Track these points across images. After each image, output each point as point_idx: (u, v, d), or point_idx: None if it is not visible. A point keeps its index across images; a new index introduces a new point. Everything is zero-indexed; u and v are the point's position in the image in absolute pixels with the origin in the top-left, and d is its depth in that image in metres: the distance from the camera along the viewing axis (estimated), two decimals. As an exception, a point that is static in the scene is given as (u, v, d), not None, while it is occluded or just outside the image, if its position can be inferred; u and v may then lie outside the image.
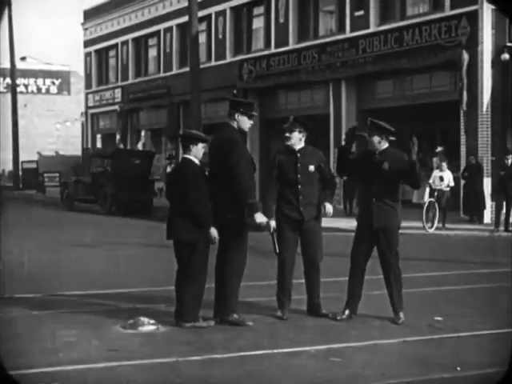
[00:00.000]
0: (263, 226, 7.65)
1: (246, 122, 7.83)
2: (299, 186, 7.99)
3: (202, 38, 30.59)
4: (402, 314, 7.89)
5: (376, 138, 7.95)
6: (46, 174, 37.36)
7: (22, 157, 40.98)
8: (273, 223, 7.86)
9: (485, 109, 20.58)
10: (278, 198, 8.05)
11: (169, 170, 26.28)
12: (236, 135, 7.80)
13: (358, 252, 8.00)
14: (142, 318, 7.49)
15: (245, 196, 7.54)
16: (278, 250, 7.88)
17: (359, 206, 8.21)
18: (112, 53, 40.44)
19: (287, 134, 8.11)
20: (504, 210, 18.36)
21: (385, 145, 7.98)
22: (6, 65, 42.20)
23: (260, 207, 7.70)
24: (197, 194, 7.54)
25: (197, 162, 7.72)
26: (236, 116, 7.80)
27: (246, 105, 7.97)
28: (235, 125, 7.82)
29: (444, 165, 19.46)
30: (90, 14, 41.87)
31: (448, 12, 21.62)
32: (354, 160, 8.26)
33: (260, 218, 7.59)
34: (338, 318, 7.92)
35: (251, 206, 7.55)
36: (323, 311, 8.08)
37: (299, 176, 7.99)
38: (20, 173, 40.10)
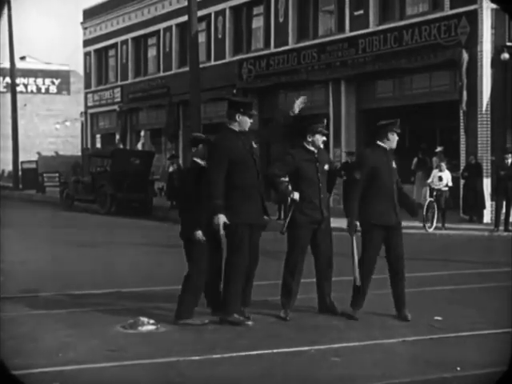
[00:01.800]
0: (216, 228, 7.52)
1: (246, 122, 7.79)
2: (320, 185, 8.03)
3: (202, 38, 30.57)
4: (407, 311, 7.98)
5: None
6: (45, 174, 37.28)
7: (22, 157, 40.94)
8: (296, 195, 7.89)
9: (484, 108, 20.58)
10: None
11: (171, 169, 26.26)
12: (225, 138, 7.76)
13: (374, 252, 8.03)
14: (142, 318, 7.50)
15: (211, 196, 7.50)
16: (285, 230, 7.92)
17: (370, 207, 8.11)
18: (111, 52, 40.42)
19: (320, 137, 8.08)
20: (504, 210, 18.37)
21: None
22: (6, 64, 42.16)
23: (222, 209, 7.55)
24: (197, 193, 7.63)
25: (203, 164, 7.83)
26: (237, 117, 7.77)
27: (246, 104, 7.94)
28: (236, 126, 7.78)
29: (443, 165, 19.46)
30: (89, 14, 41.85)
31: (447, 11, 21.62)
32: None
33: (220, 219, 7.47)
34: (357, 317, 7.96)
35: (214, 206, 7.49)
36: (338, 310, 8.13)
37: (319, 175, 8.04)
38: (20, 173, 40.04)
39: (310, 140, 8.07)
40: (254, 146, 7.81)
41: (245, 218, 7.65)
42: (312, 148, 8.07)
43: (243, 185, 7.66)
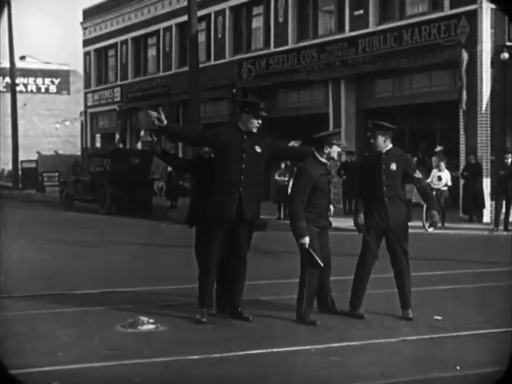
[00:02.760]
0: None
1: (251, 122, 7.74)
2: (330, 195, 8.07)
3: (202, 38, 30.58)
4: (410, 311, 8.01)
5: (381, 139, 8.03)
6: (45, 174, 37.27)
7: (22, 156, 40.93)
8: (307, 239, 7.64)
9: (484, 108, 20.58)
10: (308, 208, 7.81)
11: (170, 169, 26.24)
12: (222, 128, 8.10)
13: (371, 252, 8.03)
14: (142, 317, 7.50)
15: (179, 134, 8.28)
16: (320, 263, 7.74)
17: (366, 207, 8.14)
18: (111, 52, 40.42)
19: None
20: (503, 210, 18.37)
21: (389, 145, 8.06)
22: (6, 64, 42.13)
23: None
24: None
25: None
26: (242, 116, 7.79)
27: (251, 104, 7.93)
28: (241, 124, 7.80)
29: (442, 164, 19.48)
30: (89, 14, 41.85)
31: (447, 11, 21.62)
32: (362, 163, 8.39)
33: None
34: (366, 316, 7.95)
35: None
36: (338, 309, 8.13)
37: (331, 186, 8.08)
38: (19, 172, 40.03)
39: (326, 151, 7.92)
40: (258, 150, 7.74)
41: (213, 212, 7.70)
42: (325, 160, 8.02)
43: (222, 178, 7.69)
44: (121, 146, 36.16)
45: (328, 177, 8.02)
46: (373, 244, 8.04)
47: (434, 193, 19.06)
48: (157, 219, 21.90)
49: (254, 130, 7.79)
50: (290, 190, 8.16)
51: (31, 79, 55.87)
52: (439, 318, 8.02)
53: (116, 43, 39.34)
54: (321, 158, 7.94)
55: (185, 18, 27.72)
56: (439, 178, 19.19)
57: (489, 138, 20.66)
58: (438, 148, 21.88)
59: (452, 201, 19.71)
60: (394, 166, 7.97)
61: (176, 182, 25.43)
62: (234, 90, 29.08)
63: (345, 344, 6.92)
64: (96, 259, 13.28)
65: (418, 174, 8.15)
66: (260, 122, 7.79)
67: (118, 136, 38.26)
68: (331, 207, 8.23)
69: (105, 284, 10.06)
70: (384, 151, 8.06)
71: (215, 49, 31.48)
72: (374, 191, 8.05)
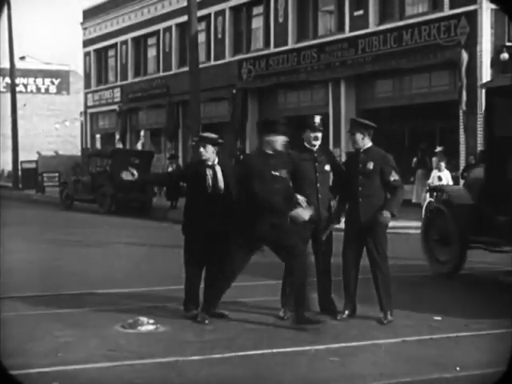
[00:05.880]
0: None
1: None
2: (318, 185, 7.97)
3: (202, 38, 30.58)
4: (389, 314, 7.87)
5: (359, 136, 7.96)
6: (45, 174, 37.23)
7: (22, 156, 40.91)
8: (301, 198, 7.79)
9: (484, 108, 20.56)
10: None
11: (170, 169, 26.23)
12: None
13: (349, 251, 8.01)
14: (142, 318, 7.50)
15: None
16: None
17: (348, 205, 8.17)
18: (111, 52, 40.45)
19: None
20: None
21: (368, 143, 8.00)
22: (6, 64, 42.12)
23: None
24: None
25: None
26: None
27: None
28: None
29: (442, 164, 19.45)
30: (89, 14, 41.88)
31: (447, 12, 21.64)
32: (344, 162, 8.39)
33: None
34: (338, 317, 7.92)
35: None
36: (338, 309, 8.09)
37: (317, 174, 7.97)
38: (19, 172, 40.01)
39: (303, 137, 8.05)
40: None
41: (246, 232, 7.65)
42: (309, 146, 8.04)
43: (252, 199, 7.60)
44: (121, 146, 36.16)
45: (314, 164, 7.97)
46: (351, 243, 8.01)
47: (435, 193, 19.05)
48: (156, 219, 21.90)
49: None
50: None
51: (31, 79, 55.87)
52: (439, 318, 8.02)
53: (116, 43, 39.36)
54: (305, 143, 8.02)
55: (185, 18, 27.70)
56: (439, 179, 19.16)
57: (488, 138, 20.64)
58: (438, 148, 21.86)
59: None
60: (370, 166, 7.85)
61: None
62: (234, 90, 29.08)
63: (344, 344, 6.92)
64: (96, 259, 13.28)
65: (394, 176, 7.86)
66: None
67: (117, 136, 38.26)
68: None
69: (105, 284, 10.06)
70: (362, 149, 7.98)
71: (215, 49, 31.50)
72: (351, 190, 8.00)
